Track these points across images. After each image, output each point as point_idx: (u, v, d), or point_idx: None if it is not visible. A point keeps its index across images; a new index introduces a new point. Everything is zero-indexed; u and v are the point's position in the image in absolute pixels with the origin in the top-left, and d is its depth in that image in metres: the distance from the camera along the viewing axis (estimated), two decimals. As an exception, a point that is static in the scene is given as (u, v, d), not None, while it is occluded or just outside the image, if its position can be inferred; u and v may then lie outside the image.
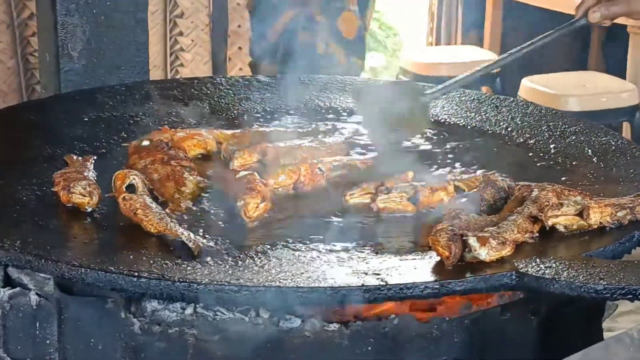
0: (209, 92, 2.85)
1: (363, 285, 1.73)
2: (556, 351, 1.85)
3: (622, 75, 6.02)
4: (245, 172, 2.18)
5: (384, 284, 1.74)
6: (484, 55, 6.33)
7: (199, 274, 1.78)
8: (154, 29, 5.22)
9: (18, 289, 1.94)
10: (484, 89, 6.72)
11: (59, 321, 1.90)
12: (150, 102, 2.77)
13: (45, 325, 1.92)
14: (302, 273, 1.80)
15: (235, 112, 2.75)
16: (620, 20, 2.94)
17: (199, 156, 2.42)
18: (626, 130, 5.83)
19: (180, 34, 5.26)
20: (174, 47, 5.33)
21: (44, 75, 3.37)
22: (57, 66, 3.23)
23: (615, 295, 1.71)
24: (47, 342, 1.93)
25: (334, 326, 1.81)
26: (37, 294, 1.93)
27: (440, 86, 2.58)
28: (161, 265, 1.81)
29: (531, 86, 5.85)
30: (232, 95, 2.84)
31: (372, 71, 9.83)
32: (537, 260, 1.82)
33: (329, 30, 4.18)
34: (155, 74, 4.80)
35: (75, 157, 2.33)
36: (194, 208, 2.12)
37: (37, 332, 1.94)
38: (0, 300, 1.95)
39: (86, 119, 2.62)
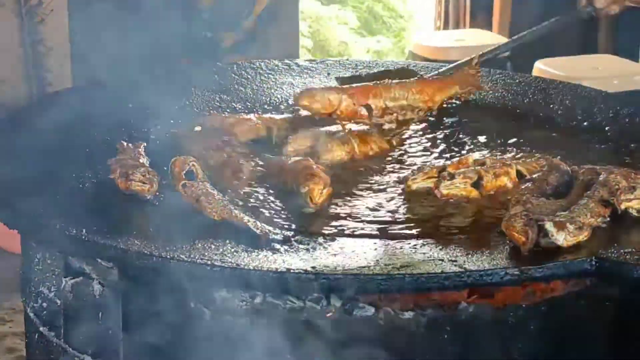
0: (249, 77, 2.80)
1: (442, 272, 1.70)
2: (632, 341, 1.82)
3: (633, 58, 6.00)
4: (300, 158, 2.13)
5: (463, 270, 1.70)
6: (493, 39, 6.30)
7: (274, 261, 1.74)
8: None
9: (81, 278, 1.90)
10: (495, 72, 6.69)
11: (124, 312, 1.85)
12: (192, 88, 2.72)
13: (109, 316, 1.88)
14: (378, 259, 1.76)
15: (278, 96, 2.70)
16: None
17: (250, 142, 2.37)
18: None
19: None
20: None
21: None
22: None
23: (701, 280, 1.68)
24: (110, 333, 1.88)
25: (408, 314, 1.78)
26: (100, 283, 1.88)
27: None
28: (232, 254, 1.77)
29: (544, 69, 5.82)
30: (274, 80, 2.80)
31: (377, 54, 9.80)
32: (616, 244, 1.78)
33: None
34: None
35: (126, 144, 2.28)
36: (254, 195, 2.07)
37: (100, 323, 1.89)
38: (62, 290, 1.90)
39: (131, 105, 2.57)
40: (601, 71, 5.82)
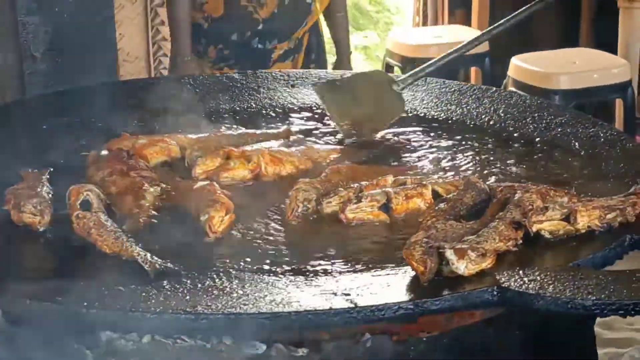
0: (175, 92, 2.70)
1: (331, 309, 1.59)
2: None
3: (614, 51, 5.88)
4: (204, 182, 2.03)
5: (353, 306, 1.60)
6: (472, 35, 6.17)
7: (153, 301, 1.63)
8: (135, 19, 5.08)
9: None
10: (472, 69, 6.59)
11: (7, 353, 1.76)
12: (117, 106, 2.61)
13: (-7, 359, 1.78)
14: (266, 296, 1.65)
15: (203, 113, 2.59)
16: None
17: (163, 165, 2.27)
18: (619, 107, 5.69)
19: (162, 23, 5.11)
20: (155, 36, 5.18)
21: (5, 79, 3.22)
22: (20, 69, 3.08)
23: (605, 311, 1.57)
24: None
25: (302, 351, 1.68)
26: (-17, 324, 1.79)
27: (408, 74, 2.49)
28: (114, 293, 1.67)
29: (521, 65, 5.72)
30: (202, 94, 2.69)
31: (365, 50, 9.68)
32: (521, 272, 1.67)
33: None
34: (139, 66, 4.64)
35: (30, 171, 2.18)
36: (155, 223, 1.97)
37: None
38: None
39: (45, 127, 2.47)
40: (579, 65, 5.70)
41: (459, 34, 6.22)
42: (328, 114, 2.49)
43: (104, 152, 2.22)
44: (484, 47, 6.20)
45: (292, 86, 2.76)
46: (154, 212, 2.00)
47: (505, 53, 6.01)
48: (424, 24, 7.01)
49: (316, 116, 2.56)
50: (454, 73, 6.72)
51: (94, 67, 3.10)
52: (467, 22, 6.79)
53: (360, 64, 9.29)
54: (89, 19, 3.07)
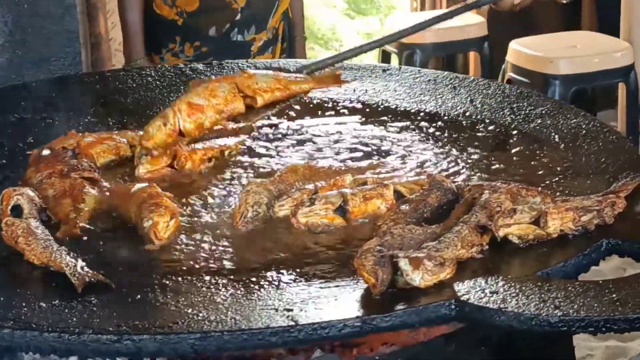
0: (135, 84, 2.54)
1: (267, 327, 1.43)
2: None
3: (616, 34, 5.71)
4: (143, 185, 1.87)
5: (293, 324, 1.44)
6: (470, 19, 6.03)
7: (74, 319, 1.48)
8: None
9: None
10: (471, 53, 6.41)
11: None
12: (71, 100, 2.46)
13: None
14: (200, 312, 1.49)
15: (161, 107, 2.43)
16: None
17: (112, 164, 2.11)
18: (622, 92, 5.53)
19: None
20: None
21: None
22: (-22, 61, 2.93)
23: (573, 328, 1.41)
24: None
25: (242, 373, 1.52)
26: None
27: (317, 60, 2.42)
28: (33, 310, 1.51)
29: (520, 49, 5.56)
30: (161, 87, 2.53)
31: (368, 37, 9.53)
32: (482, 283, 1.51)
33: None
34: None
35: (-34, 171, 2.03)
36: (93, 229, 1.81)
37: None
38: None
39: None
40: (580, 49, 5.54)
41: (458, 19, 6.05)
42: None
43: (46, 152, 2.05)
44: (483, 30, 6.04)
45: None
46: (90, 218, 1.84)
47: (505, 37, 5.86)
48: (422, 8, 6.84)
49: (280, 109, 2.40)
50: (451, 57, 6.56)
51: (56, 59, 2.93)
52: (465, 6, 6.59)
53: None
54: (50, 9, 2.91)
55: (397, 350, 1.57)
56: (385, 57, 6.17)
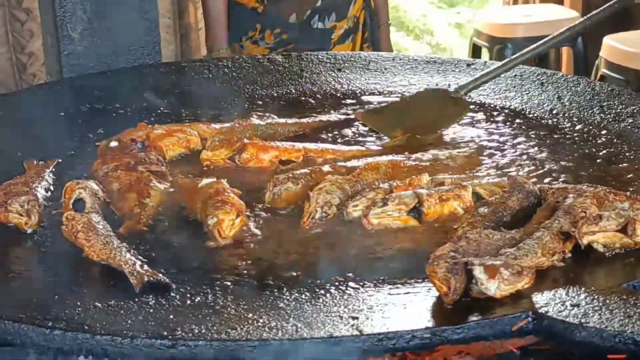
0: (211, 75, 2.47)
1: (331, 337, 1.35)
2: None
3: None
4: (210, 180, 1.80)
5: (358, 334, 1.35)
6: (564, 14, 5.86)
7: (129, 322, 1.41)
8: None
9: None
10: (564, 49, 6.23)
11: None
12: (145, 91, 2.40)
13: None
14: (260, 318, 1.41)
15: (237, 100, 2.35)
16: None
17: (182, 157, 2.05)
18: None
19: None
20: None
21: (48, 60, 3.03)
22: (58, 49, 2.88)
23: (662, 348, 1.29)
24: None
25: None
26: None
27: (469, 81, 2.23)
28: (87, 310, 1.45)
29: (614, 45, 5.37)
30: (237, 79, 2.46)
31: (459, 27, 9.39)
32: (563, 294, 1.40)
33: None
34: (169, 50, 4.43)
35: (34, 162, 1.99)
36: (158, 225, 1.75)
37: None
38: None
39: (62, 113, 2.27)
40: (679, 46, 5.33)
41: (551, 14, 5.91)
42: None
43: (114, 144, 2.00)
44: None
45: (339, 70, 2.51)
46: (156, 213, 1.77)
47: (600, 32, 5.66)
48: (515, 2, 6.67)
49: (360, 105, 2.31)
50: (544, 53, 6.38)
51: (135, 49, 2.87)
52: (559, 0, 6.43)
53: (453, 40, 8.99)
54: (130, -3, 2.85)
55: (469, 363, 1.46)
56: (476, 51, 6.03)
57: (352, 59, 2.56)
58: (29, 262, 1.66)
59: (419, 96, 2.31)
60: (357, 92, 2.43)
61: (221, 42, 3.38)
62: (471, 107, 2.23)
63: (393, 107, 2.28)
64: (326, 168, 1.88)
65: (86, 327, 1.39)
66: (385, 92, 2.38)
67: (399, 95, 2.37)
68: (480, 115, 2.21)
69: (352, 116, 2.22)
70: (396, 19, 9.19)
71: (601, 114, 2.11)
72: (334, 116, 2.23)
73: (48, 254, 1.67)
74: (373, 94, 2.38)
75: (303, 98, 2.40)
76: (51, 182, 1.91)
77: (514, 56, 2.24)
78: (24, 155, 2.03)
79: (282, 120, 2.17)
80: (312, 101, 2.38)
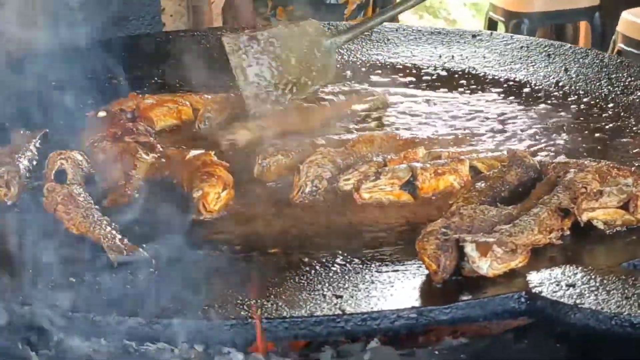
0: (209, 45, 2.40)
1: (311, 315, 1.28)
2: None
3: None
4: (198, 152, 1.73)
5: (340, 313, 1.28)
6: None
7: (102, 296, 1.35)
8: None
9: None
10: (581, 24, 6.12)
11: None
12: (139, 60, 2.34)
13: None
14: (239, 294, 1.35)
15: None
16: None
17: (173, 128, 1.98)
18: None
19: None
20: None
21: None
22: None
23: (660, 331, 1.22)
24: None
25: (289, 362, 1.37)
26: None
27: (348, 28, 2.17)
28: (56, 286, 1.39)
29: (632, 19, 5.25)
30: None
31: (475, 6, 9.27)
32: (559, 274, 1.33)
33: None
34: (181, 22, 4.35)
35: (21, 132, 1.93)
36: (141, 197, 1.68)
37: None
38: None
39: (54, 82, 2.20)
40: (702, 21, 5.21)
41: (568, -15, 5.81)
42: (235, 72, 2.08)
43: (102, 114, 1.93)
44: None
45: None
46: (141, 185, 1.71)
47: (618, 6, 5.55)
48: (532, -24, 6.56)
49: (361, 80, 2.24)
50: (560, 27, 6.28)
51: (135, 19, 2.81)
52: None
53: (468, 20, 8.88)
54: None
55: (461, 345, 1.39)
56: (492, 26, 5.93)
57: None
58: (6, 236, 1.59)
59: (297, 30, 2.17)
60: (358, 63, 2.35)
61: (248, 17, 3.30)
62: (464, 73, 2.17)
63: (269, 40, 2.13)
64: (319, 141, 1.80)
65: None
66: (388, 63, 2.30)
67: (402, 65, 2.29)
68: (486, 87, 2.13)
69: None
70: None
71: (609, 87, 2.03)
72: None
73: (27, 227, 1.61)
74: (375, 65, 2.30)
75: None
76: (36, 153, 1.84)
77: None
78: (10, 125, 1.97)
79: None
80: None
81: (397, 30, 2.46)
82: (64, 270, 1.42)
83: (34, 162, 1.82)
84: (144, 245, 1.49)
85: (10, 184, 1.67)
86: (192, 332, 1.30)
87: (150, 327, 1.29)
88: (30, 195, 1.70)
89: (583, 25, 6.15)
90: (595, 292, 1.28)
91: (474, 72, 2.22)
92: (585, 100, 2.02)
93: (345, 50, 2.40)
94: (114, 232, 1.52)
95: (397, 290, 1.36)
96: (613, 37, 5.32)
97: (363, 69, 2.32)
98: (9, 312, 1.34)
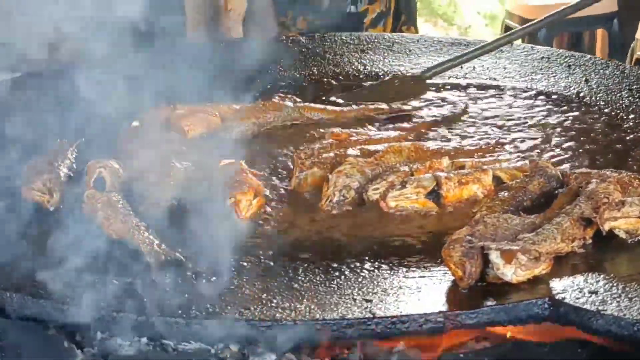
0: (234, 56, 2.46)
1: (343, 319, 1.34)
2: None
3: None
4: (229, 161, 1.79)
5: (370, 316, 1.34)
6: (597, -6, 5.78)
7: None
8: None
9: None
10: (598, 31, 6.16)
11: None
12: (164, 70, 2.39)
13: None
14: (273, 298, 1.41)
15: (259, 81, 2.34)
16: None
17: (203, 137, 2.05)
18: None
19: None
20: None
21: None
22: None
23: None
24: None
25: (320, 364, 1.43)
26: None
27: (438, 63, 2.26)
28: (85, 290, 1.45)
29: (650, 28, 5.28)
30: (262, 59, 2.44)
31: (490, 17, 9.31)
32: (581, 281, 1.39)
33: None
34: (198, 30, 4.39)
35: (59, 141, 1.99)
36: (178, 205, 1.74)
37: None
38: None
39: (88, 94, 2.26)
40: None
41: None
42: None
43: (135, 123, 2.00)
44: (613, 6, 5.79)
45: (362, 51, 2.49)
46: (178, 192, 1.77)
47: (637, 13, 5.58)
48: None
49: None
50: (577, 35, 6.31)
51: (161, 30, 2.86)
52: (595, -19, 6.34)
53: (481, 30, 8.92)
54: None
55: (485, 348, 1.45)
56: (509, 33, 5.98)
57: (376, 40, 2.55)
58: (49, 241, 1.65)
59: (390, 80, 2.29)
60: (380, 73, 2.41)
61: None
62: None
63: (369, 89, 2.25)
64: (352, 152, 1.87)
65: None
66: (409, 74, 2.36)
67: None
68: (506, 97, 2.19)
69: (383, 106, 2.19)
70: (426, 3, 9.12)
71: (630, 97, 2.09)
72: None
73: (68, 232, 1.67)
74: (396, 76, 2.36)
75: (325, 79, 2.39)
76: (74, 161, 1.90)
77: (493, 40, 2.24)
78: (49, 134, 2.03)
79: (311, 105, 2.16)
80: (334, 82, 2.37)
81: (418, 41, 2.52)
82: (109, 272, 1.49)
83: (72, 170, 1.87)
84: (180, 250, 1.56)
85: (53, 191, 1.73)
86: (229, 333, 1.36)
87: (189, 327, 1.35)
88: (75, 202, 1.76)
89: (600, 33, 6.18)
90: (618, 299, 1.33)
91: (495, 83, 2.27)
92: (606, 111, 2.07)
93: (367, 61, 2.46)
94: (151, 237, 1.58)
95: (424, 295, 1.42)
96: (632, 44, 5.35)
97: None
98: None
